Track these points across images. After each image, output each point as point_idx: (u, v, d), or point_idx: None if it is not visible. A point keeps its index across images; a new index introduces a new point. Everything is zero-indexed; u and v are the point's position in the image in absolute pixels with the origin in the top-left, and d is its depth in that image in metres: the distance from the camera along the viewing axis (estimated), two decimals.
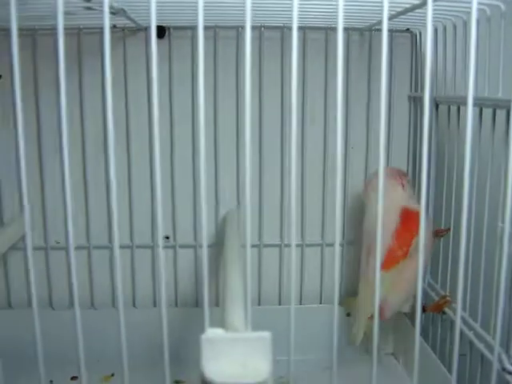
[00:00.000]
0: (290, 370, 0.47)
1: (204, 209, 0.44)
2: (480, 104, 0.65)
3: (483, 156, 0.66)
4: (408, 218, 0.75)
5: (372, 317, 0.61)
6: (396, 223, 0.75)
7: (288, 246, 0.90)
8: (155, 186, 0.45)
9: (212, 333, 0.45)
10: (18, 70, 0.42)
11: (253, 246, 0.89)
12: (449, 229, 0.76)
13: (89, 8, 0.65)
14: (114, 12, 0.70)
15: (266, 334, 0.44)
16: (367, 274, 0.77)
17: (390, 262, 0.73)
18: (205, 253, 0.45)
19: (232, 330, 0.47)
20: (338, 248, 0.48)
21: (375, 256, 0.51)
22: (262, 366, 0.44)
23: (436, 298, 0.79)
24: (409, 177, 0.84)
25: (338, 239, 0.48)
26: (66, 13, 0.69)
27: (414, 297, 0.52)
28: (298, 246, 0.90)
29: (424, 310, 0.77)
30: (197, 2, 0.61)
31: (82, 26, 0.82)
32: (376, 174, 0.51)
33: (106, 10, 0.42)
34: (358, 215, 0.86)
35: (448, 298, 0.75)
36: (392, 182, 0.76)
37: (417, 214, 0.53)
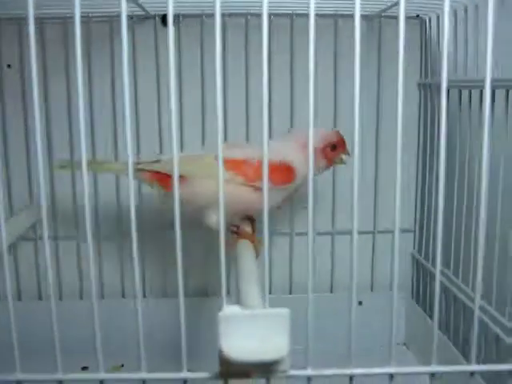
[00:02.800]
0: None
1: None
2: (492, 86, 0.65)
3: (496, 137, 0.65)
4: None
5: None
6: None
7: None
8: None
9: (229, 310, 0.44)
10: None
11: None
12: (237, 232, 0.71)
13: None
14: None
15: (285, 311, 0.44)
16: None
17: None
18: (222, 236, 0.45)
19: (249, 307, 0.46)
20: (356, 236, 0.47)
21: None
22: (280, 342, 0.44)
23: None
24: None
25: (355, 227, 0.46)
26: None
27: None
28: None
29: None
30: None
31: (90, 15, 0.82)
32: None
33: None
34: None
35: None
36: None
37: None
